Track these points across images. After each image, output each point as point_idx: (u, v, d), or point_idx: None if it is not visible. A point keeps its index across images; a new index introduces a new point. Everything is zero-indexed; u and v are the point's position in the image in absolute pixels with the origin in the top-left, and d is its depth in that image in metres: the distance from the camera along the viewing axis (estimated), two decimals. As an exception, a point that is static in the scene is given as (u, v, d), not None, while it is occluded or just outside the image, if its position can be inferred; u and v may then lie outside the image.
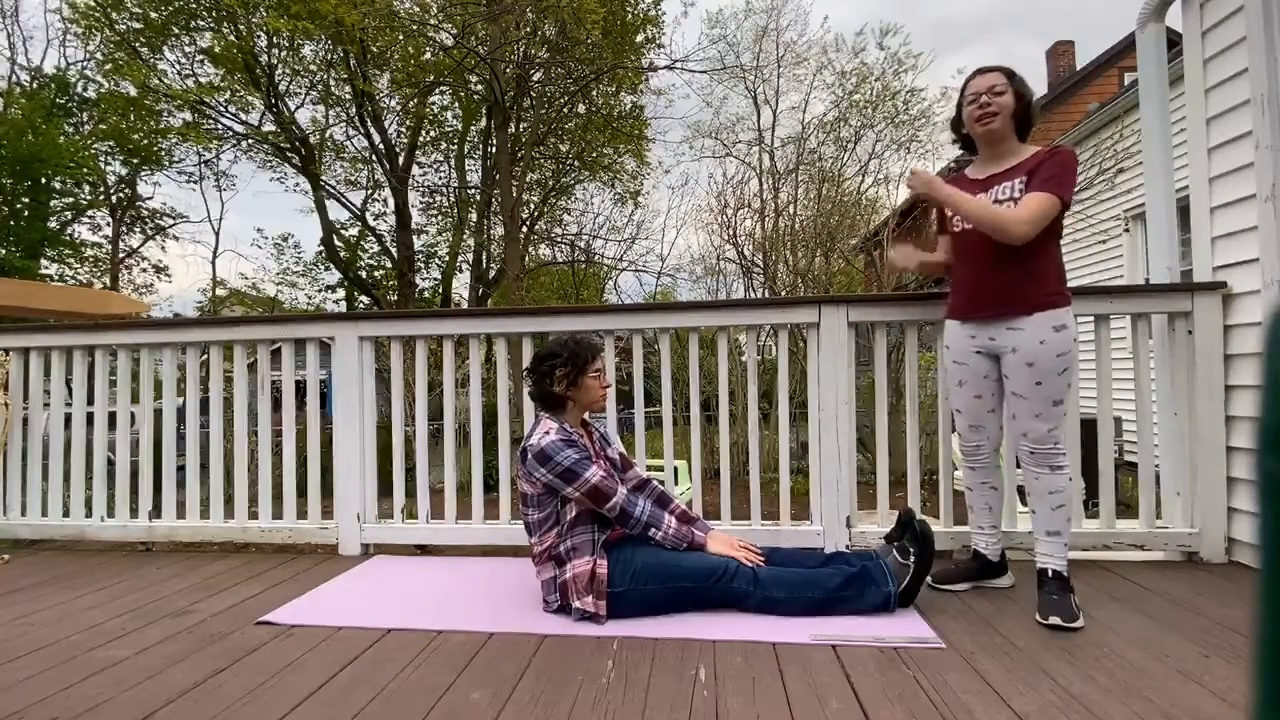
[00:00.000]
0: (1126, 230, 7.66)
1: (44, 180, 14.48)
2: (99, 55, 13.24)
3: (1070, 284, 2.03)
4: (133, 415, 3.08)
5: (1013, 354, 1.97)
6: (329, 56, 12.42)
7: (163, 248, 24.65)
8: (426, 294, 16.13)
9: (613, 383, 2.63)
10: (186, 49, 12.54)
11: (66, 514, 3.06)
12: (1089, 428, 2.44)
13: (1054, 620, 1.84)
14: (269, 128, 13.19)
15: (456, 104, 13.89)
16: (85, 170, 14.93)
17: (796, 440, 6.56)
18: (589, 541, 2.00)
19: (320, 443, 3.00)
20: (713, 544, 2.08)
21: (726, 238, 8.59)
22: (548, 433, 2.02)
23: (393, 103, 13.25)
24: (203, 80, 12.52)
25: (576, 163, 13.58)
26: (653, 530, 2.03)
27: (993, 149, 2.02)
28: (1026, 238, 1.85)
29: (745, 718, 1.41)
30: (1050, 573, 1.97)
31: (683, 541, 2.04)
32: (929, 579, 2.06)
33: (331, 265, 15.76)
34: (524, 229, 12.72)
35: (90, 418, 3.31)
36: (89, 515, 3.04)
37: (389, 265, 15.34)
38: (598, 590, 1.95)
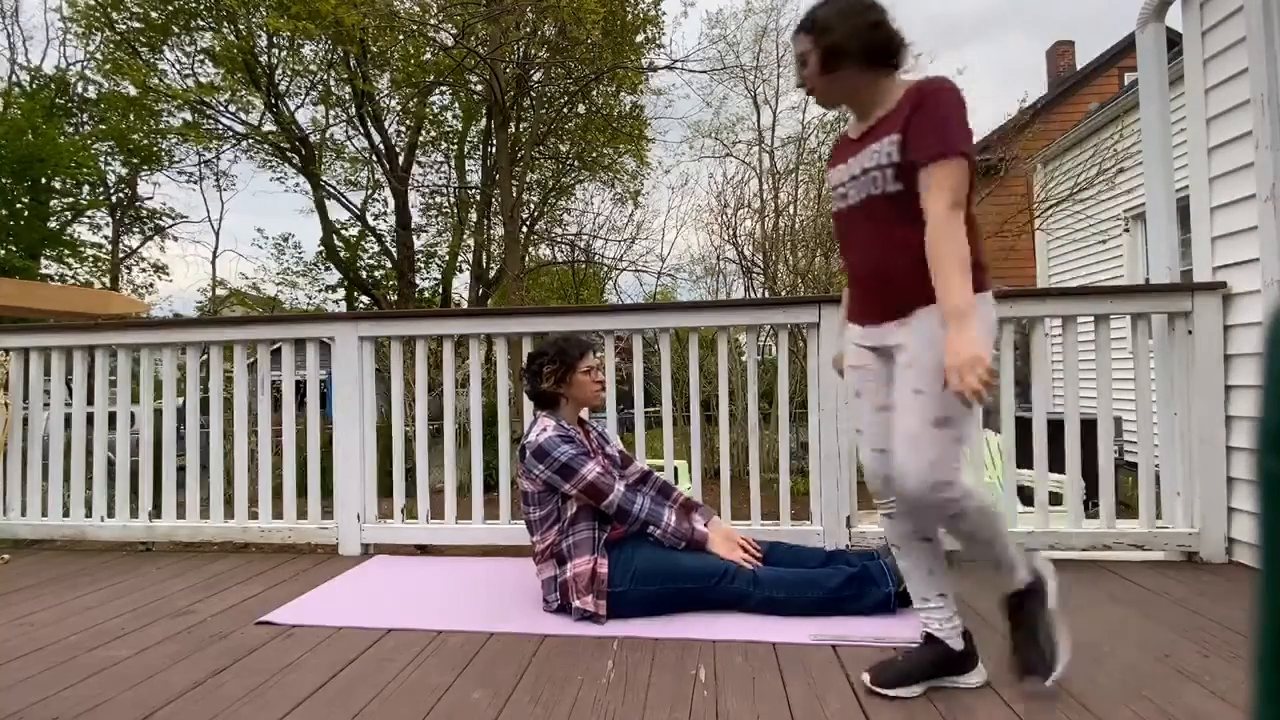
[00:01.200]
0: (1126, 230, 7.66)
1: (44, 180, 14.47)
2: (99, 55, 13.25)
3: (1070, 284, 1.90)
4: (133, 415, 3.08)
5: (901, 353, 1.46)
6: (329, 56, 12.42)
7: (162, 248, 24.63)
8: (426, 294, 16.12)
9: (610, 381, 2.63)
10: (186, 49, 12.56)
11: (66, 514, 3.06)
12: (1089, 428, 2.44)
13: (1030, 683, 1.47)
14: (269, 128, 13.20)
15: (456, 104, 13.89)
16: (85, 170, 14.92)
17: (796, 440, 6.56)
18: (590, 539, 2.01)
19: (320, 443, 3.00)
20: (714, 540, 2.08)
21: (726, 238, 8.60)
22: (545, 430, 2.04)
23: (393, 103, 13.26)
24: (203, 80, 12.54)
25: (576, 163, 13.58)
26: (651, 527, 2.03)
27: (855, 107, 1.54)
28: (959, 217, 1.35)
29: (745, 718, 1.41)
30: (1010, 597, 1.52)
31: (681, 540, 2.04)
32: (869, 685, 1.53)
33: (331, 265, 15.76)
34: (524, 229, 12.72)
35: (90, 418, 3.31)
36: (89, 515, 3.04)
37: (389, 265, 15.33)
38: (598, 590, 1.95)
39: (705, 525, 2.14)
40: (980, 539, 1.47)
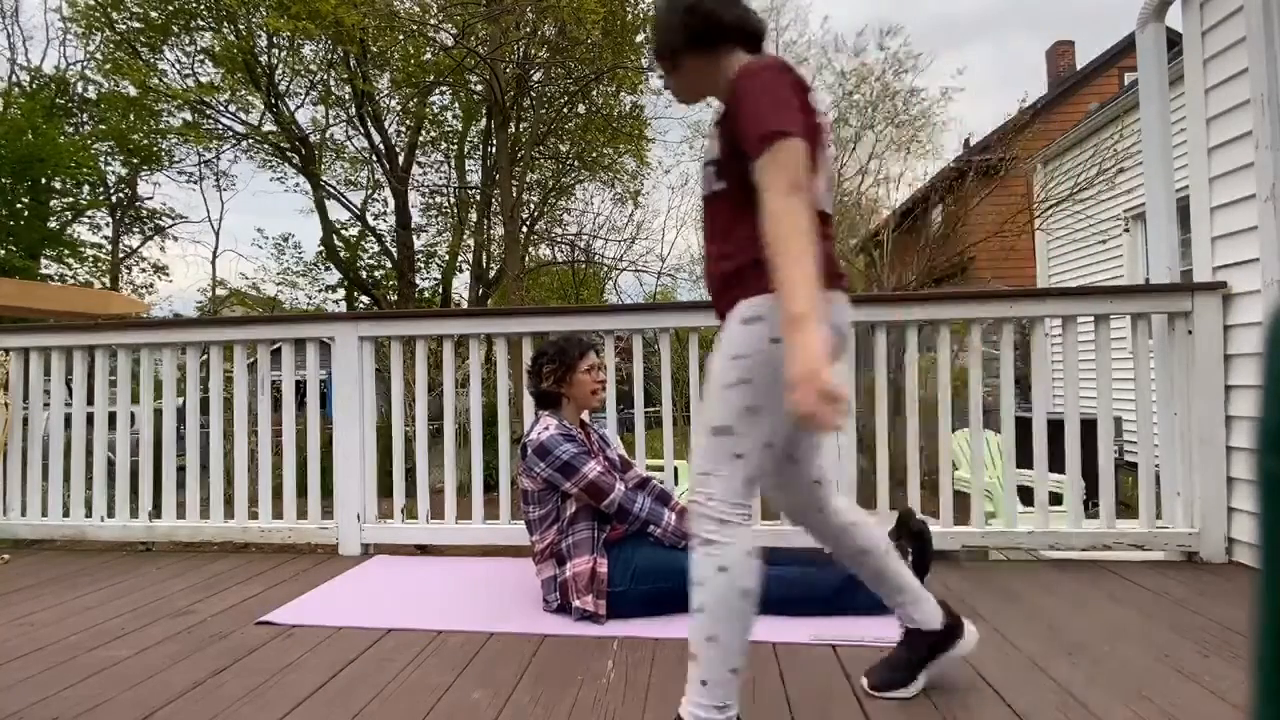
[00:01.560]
0: (1126, 230, 7.66)
1: (44, 180, 14.46)
2: (99, 55, 13.24)
3: (1070, 284, 1.89)
4: (133, 415, 3.08)
5: None
6: (329, 56, 12.41)
7: (162, 248, 24.59)
8: (426, 294, 16.11)
9: (610, 381, 2.64)
10: (186, 49, 12.55)
11: (66, 514, 3.06)
12: (1089, 428, 2.44)
13: None
14: (269, 128, 13.19)
15: (456, 104, 13.88)
16: (85, 170, 14.91)
17: (796, 440, 6.55)
18: (589, 539, 2.01)
19: (320, 443, 3.00)
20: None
21: (726, 238, 8.57)
22: (547, 428, 2.05)
23: (393, 103, 13.25)
24: (203, 80, 12.53)
25: (576, 163, 13.57)
26: (651, 526, 2.03)
27: (716, 97, 1.41)
28: (800, 202, 1.12)
29: (746, 718, 1.41)
30: None
31: (682, 539, 2.04)
32: (867, 689, 1.51)
33: (331, 265, 15.75)
34: (524, 229, 12.72)
35: (90, 418, 3.31)
36: (89, 515, 3.04)
37: (389, 265, 15.33)
38: (598, 590, 1.95)
39: None
40: (706, 615, 1.20)
